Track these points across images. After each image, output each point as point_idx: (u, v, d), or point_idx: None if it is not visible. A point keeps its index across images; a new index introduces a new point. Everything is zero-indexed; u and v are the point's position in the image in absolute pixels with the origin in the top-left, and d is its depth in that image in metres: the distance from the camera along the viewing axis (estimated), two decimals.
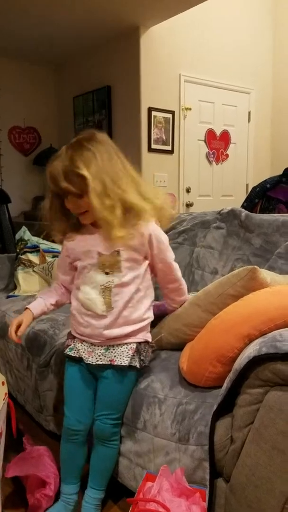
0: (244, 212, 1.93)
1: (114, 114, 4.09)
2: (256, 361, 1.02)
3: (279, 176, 3.18)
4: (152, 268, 1.38)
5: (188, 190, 4.23)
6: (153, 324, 1.62)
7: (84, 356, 1.32)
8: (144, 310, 1.33)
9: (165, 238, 1.35)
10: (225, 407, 1.12)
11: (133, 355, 1.30)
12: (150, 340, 1.37)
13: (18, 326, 1.36)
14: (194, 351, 1.29)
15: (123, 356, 1.29)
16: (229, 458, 1.09)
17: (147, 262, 1.34)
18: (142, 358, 1.32)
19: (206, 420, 1.15)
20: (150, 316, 1.37)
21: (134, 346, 1.31)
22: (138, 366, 1.30)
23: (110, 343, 1.30)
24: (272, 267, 1.68)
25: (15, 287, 2.58)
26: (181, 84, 4.00)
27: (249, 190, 3.50)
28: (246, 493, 1.02)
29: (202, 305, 1.39)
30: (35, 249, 2.62)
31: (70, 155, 1.18)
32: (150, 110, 3.82)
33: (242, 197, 3.80)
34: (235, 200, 4.37)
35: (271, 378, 1.00)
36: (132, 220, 1.25)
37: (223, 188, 4.51)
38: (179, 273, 1.43)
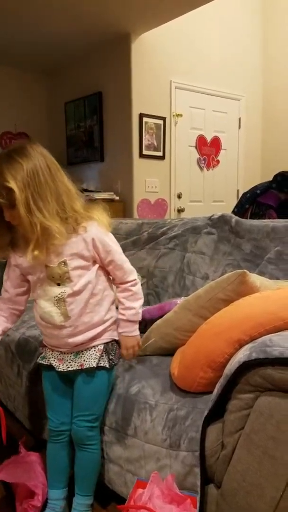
0: (235, 218, 1.94)
1: (106, 120, 4.11)
2: (246, 367, 1.02)
3: (269, 182, 3.20)
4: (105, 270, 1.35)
5: (179, 196, 4.25)
6: (144, 330, 1.63)
7: (55, 365, 1.33)
8: (105, 312, 1.33)
9: (109, 239, 1.31)
10: (216, 413, 1.12)
11: (101, 356, 1.31)
12: (117, 338, 1.38)
13: None
14: (185, 356, 1.29)
15: (91, 359, 1.30)
16: (220, 464, 1.09)
17: (97, 265, 1.31)
18: (111, 357, 1.33)
19: (197, 426, 1.15)
20: (113, 315, 1.37)
21: (102, 347, 1.32)
22: (107, 365, 1.31)
23: (78, 348, 1.31)
24: (262, 272, 1.69)
25: None
26: (172, 90, 4.03)
27: (240, 196, 3.52)
28: (237, 499, 1.02)
29: (192, 309, 1.40)
30: None
31: None
32: (141, 116, 3.84)
33: (233, 202, 3.83)
34: (226, 205, 4.40)
35: (261, 384, 1.00)
36: (72, 227, 1.23)
37: (214, 194, 4.54)
38: (132, 276, 1.37)
